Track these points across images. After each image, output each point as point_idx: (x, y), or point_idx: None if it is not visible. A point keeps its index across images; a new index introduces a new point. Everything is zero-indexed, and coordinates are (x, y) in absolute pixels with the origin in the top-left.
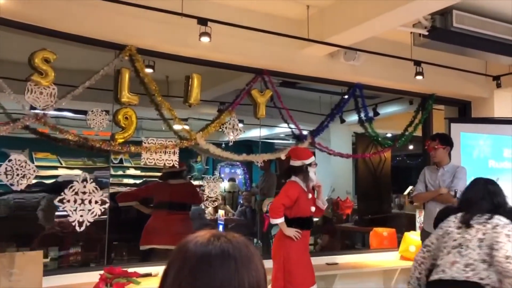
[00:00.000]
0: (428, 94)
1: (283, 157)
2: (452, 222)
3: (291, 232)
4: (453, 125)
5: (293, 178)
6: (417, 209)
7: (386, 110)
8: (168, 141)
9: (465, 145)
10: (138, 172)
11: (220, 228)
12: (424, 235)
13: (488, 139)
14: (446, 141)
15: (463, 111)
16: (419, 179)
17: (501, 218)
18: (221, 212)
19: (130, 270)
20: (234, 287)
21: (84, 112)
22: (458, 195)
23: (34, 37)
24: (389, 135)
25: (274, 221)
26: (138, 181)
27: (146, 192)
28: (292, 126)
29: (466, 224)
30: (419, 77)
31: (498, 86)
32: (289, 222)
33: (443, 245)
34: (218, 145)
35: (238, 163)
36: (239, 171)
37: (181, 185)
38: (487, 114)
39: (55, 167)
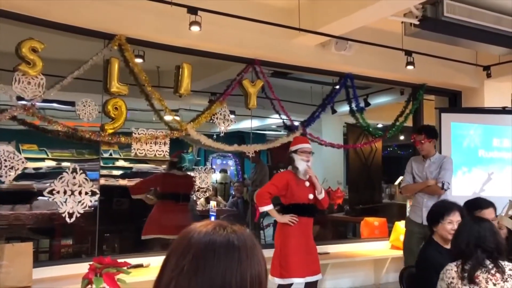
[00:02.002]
0: (419, 84)
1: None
2: (455, 272)
3: (285, 218)
4: (443, 115)
5: (289, 167)
6: (408, 199)
7: (377, 100)
8: (159, 132)
9: (456, 134)
10: (127, 164)
11: (212, 219)
12: (409, 223)
13: (478, 128)
14: (433, 134)
15: (453, 101)
16: (406, 171)
17: (506, 264)
18: (212, 203)
19: (120, 260)
20: (235, 278)
21: (72, 103)
22: (445, 186)
23: (21, 26)
24: (380, 125)
25: (262, 208)
26: (128, 172)
27: (154, 183)
28: (284, 116)
29: (470, 280)
30: (410, 67)
31: (488, 76)
32: (286, 209)
33: None
34: (210, 136)
35: (230, 154)
36: (231, 162)
37: (183, 177)
38: (477, 104)
39: (42, 159)
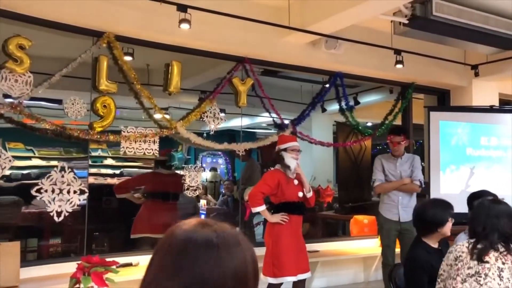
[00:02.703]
0: (407, 82)
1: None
2: (466, 248)
3: (277, 218)
4: (432, 114)
5: (276, 166)
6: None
7: (367, 99)
8: (148, 130)
9: (444, 133)
10: (114, 162)
11: (202, 217)
12: (385, 222)
13: (466, 127)
14: (409, 134)
15: (442, 100)
16: (376, 169)
17: None
18: (203, 202)
19: (109, 259)
20: (216, 276)
21: (60, 101)
22: (423, 184)
23: (8, 23)
24: (369, 124)
25: (255, 209)
26: (117, 171)
27: (140, 182)
28: (274, 115)
29: (479, 259)
30: (399, 66)
31: (476, 75)
32: (276, 208)
33: (455, 273)
34: (200, 134)
35: (220, 152)
36: (221, 160)
37: (171, 175)
38: (465, 103)
39: (29, 158)
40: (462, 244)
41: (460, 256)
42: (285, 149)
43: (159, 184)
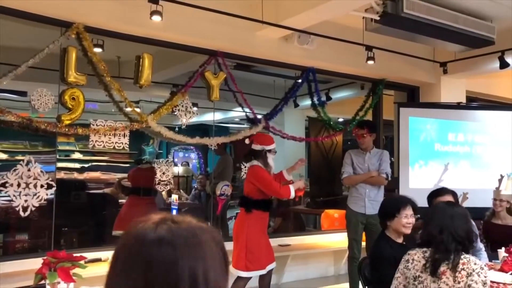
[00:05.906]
0: (378, 79)
1: (247, 141)
2: (420, 263)
3: (301, 183)
4: (402, 110)
5: (254, 162)
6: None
7: (338, 94)
8: (118, 124)
9: (413, 129)
10: (82, 156)
11: (174, 212)
12: (353, 215)
13: (434, 123)
14: (373, 129)
15: (411, 96)
16: (345, 162)
17: (471, 259)
18: (174, 197)
19: (77, 254)
20: (173, 276)
21: (25, 93)
22: (389, 177)
23: None
24: (341, 119)
25: (292, 193)
26: (86, 165)
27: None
28: (247, 109)
29: (433, 273)
30: (370, 62)
31: (445, 72)
32: (254, 204)
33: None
34: (172, 128)
35: (192, 147)
36: (193, 155)
37: (149, 170)
38: (434, 99)
39: None
40: (419, 260)
41: (419, 276)
42: (269, 150)
43: (139, 178)
